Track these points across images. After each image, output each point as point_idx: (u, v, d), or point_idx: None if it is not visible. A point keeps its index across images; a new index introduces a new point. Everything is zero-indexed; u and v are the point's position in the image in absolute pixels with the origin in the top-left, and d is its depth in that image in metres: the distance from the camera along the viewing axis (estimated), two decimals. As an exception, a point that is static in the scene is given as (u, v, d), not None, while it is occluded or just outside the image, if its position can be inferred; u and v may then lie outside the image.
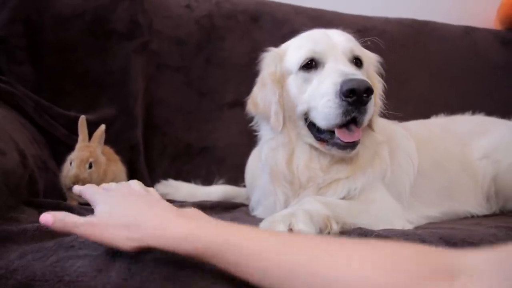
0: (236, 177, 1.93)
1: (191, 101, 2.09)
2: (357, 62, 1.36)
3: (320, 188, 1.39)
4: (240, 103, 2.10)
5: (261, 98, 1.45)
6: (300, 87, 1.36)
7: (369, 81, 1.22)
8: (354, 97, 1.19)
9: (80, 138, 1.64)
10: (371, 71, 1.47)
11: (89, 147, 1.62)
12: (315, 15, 2.34)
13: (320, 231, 1.19)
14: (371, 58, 1.49)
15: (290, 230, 1.09)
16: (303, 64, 1.35)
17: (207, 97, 2.11)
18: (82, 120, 1.65)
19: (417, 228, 1.45)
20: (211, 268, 0.92)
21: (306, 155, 1.39)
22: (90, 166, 1.59)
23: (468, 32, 2.53)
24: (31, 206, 1.43)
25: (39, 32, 1.89)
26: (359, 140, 1.28)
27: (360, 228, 1.22)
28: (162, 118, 2.06)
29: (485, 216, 1.69)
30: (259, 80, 1.49)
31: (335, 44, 1.35)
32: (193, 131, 2.07)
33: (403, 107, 2.25)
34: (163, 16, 2.11)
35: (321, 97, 1.26)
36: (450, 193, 1.67)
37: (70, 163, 1.59)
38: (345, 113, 1.21)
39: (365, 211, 1.36)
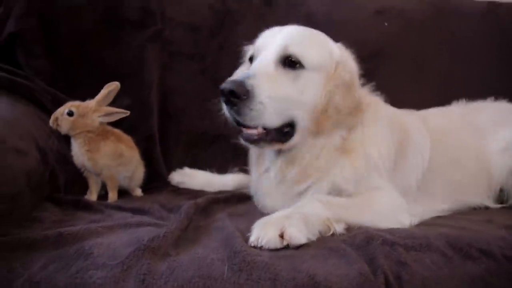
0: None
1: (205, 88, 2.08)
2: (291, 62, 1.35)
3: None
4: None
5: None
6: None
7: (246, 85, 1.24)
8: (223, 97, 1.28)
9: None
10: (332, 72, 1.40)
11: (87, 103, 1.68)
12: (331, -4, 2.27)
13: (320, 234, 1.23)
14: (336, 59, 1.42)
15: (281, 235, 1.14)
16: (249, 59, 1.48)
17: (221, 84, 2.10)
18: (110, 84, 1.70)
19: (424, 224, 1.45)
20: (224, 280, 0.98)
21: (270, 157, 1.48)
22: (70, 114, 1.64)
23: (492, 8, 2.40)
24: (52, 202, 1.50)
25: (53, 24, 1.91)
26: (259, 137, 1.32)
27: (366, 231, 1.24)
28: (177, 107, 2.08)
29: (499, 209, 1.68)
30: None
31: (272, 41, 1.38)
32: (207, 119, 2.07)
33: (422, 90, 2.22)
34: (175, 2, 2.09)
35: None
36: (462, 187, 1.67)
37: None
38: (227, 110, 1.31)
39: (368, 209, 1.38)
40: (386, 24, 2.22)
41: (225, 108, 1.33)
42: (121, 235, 1.19)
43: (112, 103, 1.84)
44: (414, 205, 1.51)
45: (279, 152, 1.44)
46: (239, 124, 1.33)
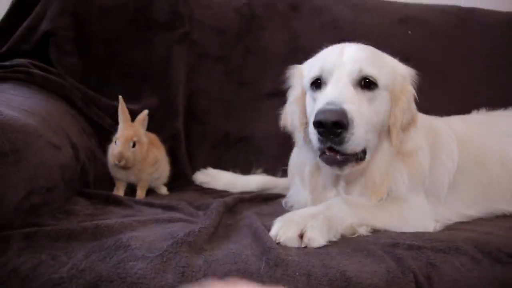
0: (274, 167, 1.98)
1: (230, 91, 2.13)
2: (368, 83, 1.31)
3: None
4: (279, 93, 2.13)
5: (289, 115, 1.51)
6: (310, 106, 1.38)
7: (347, 113, 1.18)
8: (322, 128, 1.19)
9: (122, 118, 1.70)
10: (399, 87, 1.38)
11: (133, 127, 1.69)
12: (355, 3, 2.30)
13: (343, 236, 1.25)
14: (401, 73, 1.40)
15: (301, 235, 1.15)
16: (312, 81, 1.37)
17: (246, 87, 2.14)
18: (121, 100, 1.70)
19: (451, 228, 1.47)
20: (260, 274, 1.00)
21: (329, 176, 1.43)
22: (134, 145, 1.65)
23: (518, 19, 2.42)
24: (83, 197, 1.54)
25: (85, 23, 1.97)
26: (347, 162, 1.26)
27: (391, 235, 1.26)
28: (202, 108, 2.11)
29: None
30: (288, 97, 1.54)
31: (343, 63, 1.32)
32: (232, 120, 2.12)
33: (443, 99, 2.24)
34: (203, 6, 2.14)
35: (311, 122, 1.26)
36: (488, 190, 1.68)
37: (115, 142, 1.65)
38: (320, 141, 1.22)
39: (396, 217, 1.38)
40: (409, 32, 2.25)
41: (316, 139, 1.24)
42: (155, 230, 1.22)
43: (139, 102, 1.88)
44: (442, 209, 1.53)
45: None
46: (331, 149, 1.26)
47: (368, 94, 1.31)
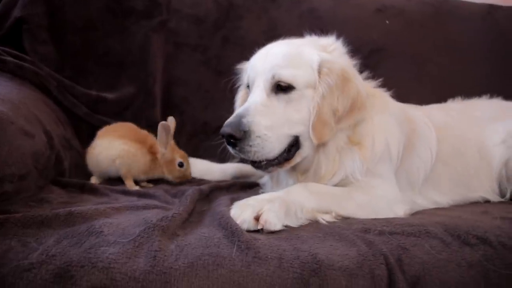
0: (251, 156, 1.98)
1: (208, 80, 2.13)
2: (284, 87, 1.37)
3: None
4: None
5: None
6: None
7: (246, 126, 1.28)
8: (223, 139, 1.34)
9: (170, 141, 1.76)
10: (322, 78, 1.37)
11: (174, 145, 1.78)
12: (334, -7, 2.31)
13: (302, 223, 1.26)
14: (316, 65, 1.39)
15: (257, 218, 1.17)
16: (247, 86, 1.51)
17: (224, 76, 2.13)
18: (171, 122, 1.77)
19: (423, 213, 1.49)
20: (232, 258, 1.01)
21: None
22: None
23: (491, 11, 2.47)
24: (58, 186, 1.52)
25: (60, 10, 1.93)
26: (267, 163, 1.35)
27: (362, 221, 1.27)
28: (180, 97, 2.11)
29: (496, 203, 1.73)
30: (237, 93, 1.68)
31: (263, 70, 1.39)
32: (210, 110, 2.11)
33: (420, 89, 2.28)
34: (181, -6, 2.12)
35: None
36: (465, 179, 1.71)
37: (179, 164, 1.77)
38: (231, 150, 1.35)
39: (361, 202, 1.38)
40: (387, 22, 2.28)
41: (229, 148, 1.37)
42: (129, 216, 1.22)
43: (116, 91, 1.85)
44: (417, 197, 1.56)
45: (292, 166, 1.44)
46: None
47: (284, 96, 1.37)
